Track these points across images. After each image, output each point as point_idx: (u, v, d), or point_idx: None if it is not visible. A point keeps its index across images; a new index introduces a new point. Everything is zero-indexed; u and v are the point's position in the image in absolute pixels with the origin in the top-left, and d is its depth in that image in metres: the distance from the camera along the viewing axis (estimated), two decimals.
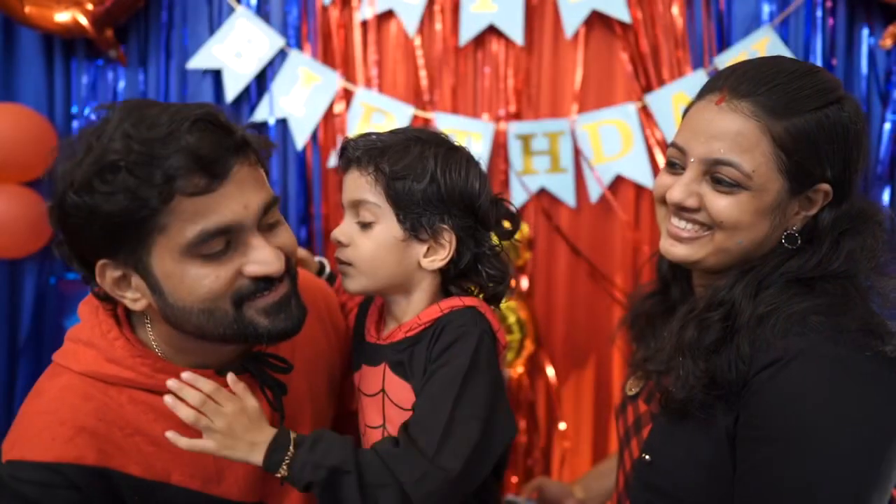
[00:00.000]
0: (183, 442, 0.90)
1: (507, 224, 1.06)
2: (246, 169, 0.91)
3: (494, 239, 1.05)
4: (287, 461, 0.91)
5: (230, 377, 0.93)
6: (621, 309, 2.06)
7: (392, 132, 1.03)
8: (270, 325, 0.95)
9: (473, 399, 0.94)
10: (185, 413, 0.89)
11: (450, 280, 1.04)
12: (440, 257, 1.01)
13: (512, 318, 2.01)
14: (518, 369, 2.08)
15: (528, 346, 2.05)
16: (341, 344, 1.27)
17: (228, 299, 0.91)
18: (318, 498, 0.92)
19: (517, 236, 1.98)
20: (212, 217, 0.86)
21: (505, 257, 1.06)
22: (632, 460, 1.08)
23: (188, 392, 0.90)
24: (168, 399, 0.90)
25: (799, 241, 0.99)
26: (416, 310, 1.03)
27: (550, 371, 2.12)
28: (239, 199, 0.89)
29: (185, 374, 0.92)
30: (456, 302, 1.02)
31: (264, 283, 0.93)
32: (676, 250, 1.03)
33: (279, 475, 0.91)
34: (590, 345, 2.13)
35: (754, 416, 0.92)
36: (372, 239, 1.00)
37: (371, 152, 0.99)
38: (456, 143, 1.05)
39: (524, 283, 2.11)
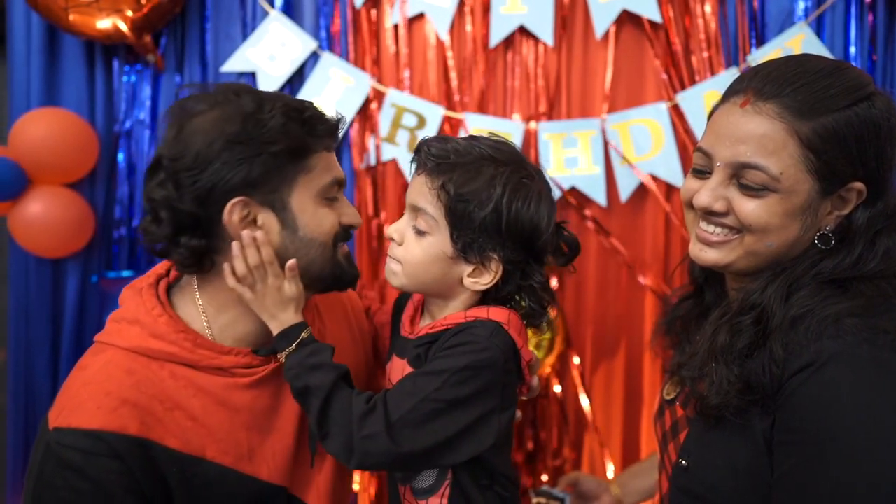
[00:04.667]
0: (230, 281, 1.02)
1: (565, 248, 1.06)
2: None
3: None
4: (287, 353, 1.02)
5: (289, 264, 1.04)
6: (653, 307, 2.05)
7: (471, 143, 1.02)
8: (349, 269, 1.12)
9: (455, 398, 0.95)
10: (239, 265, 1.01)
11: (489, 297, 1.05)
12: (483, 281, 1.02)
13: None
14: (547, 368, 2.09)
15: (558, 345, 2.05)
16: (365, 344, 1.32)
17: (333, 239, 1.07)
18: (293, 395, 1.02)
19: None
20: (335, 171, 1.07)
21: (549, 290, 1.06)
22: (670, 464, 1.07)
23: (251, 251, 1.01)
24: (235, 246, 1.01)
25: (833, 242, 0.97)
26: (449, 310, 1.05)
27: (579, 370, 2.12)
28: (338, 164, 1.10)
29: (245, 234, 1.01)
30: (482, 312, 1.02)
31: (347, 234, 1.10)
32: (706, 255, 1.02)
33: (279, 357, 1.03)
34: (619, 343, 2.12)
35: (789, 420, 0.91)
36: (423, 247, 1.03)
37: (442, 167, 1.00)
38: (532, 171, 1.03)
39: (554, 281, 2.11)
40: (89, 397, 0.97)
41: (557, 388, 2.13)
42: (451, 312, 1.05)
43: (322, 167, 1.04)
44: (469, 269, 1.01)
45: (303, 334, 1.02)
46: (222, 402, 1.03)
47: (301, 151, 1.01)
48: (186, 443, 1.00)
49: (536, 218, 1.00)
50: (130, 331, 1.02)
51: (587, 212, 2.08)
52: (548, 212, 1.01)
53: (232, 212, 0.99)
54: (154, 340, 1.02)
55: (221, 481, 1.02)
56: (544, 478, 2.15)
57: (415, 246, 1.03)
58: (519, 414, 1.13)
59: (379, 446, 0.94)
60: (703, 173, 1.01)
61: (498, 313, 1.02)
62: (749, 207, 0.95)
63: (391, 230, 1.06)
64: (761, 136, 0.93)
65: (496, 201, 0.97)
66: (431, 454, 0.97)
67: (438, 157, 1.01)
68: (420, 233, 1.03)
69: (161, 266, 1.13)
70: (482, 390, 0.96)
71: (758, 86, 0.95)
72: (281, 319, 1.03)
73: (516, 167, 1.01)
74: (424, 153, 1.02)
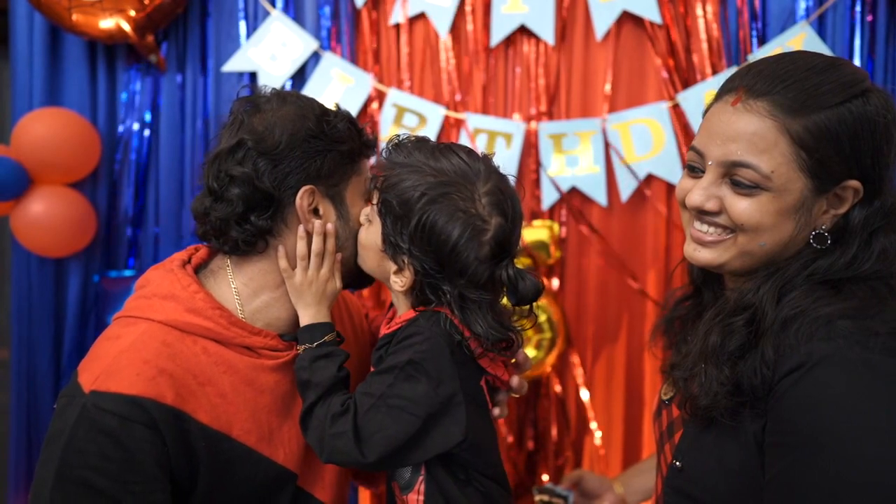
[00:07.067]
0: (282, 263, 1.09)
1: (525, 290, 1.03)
2: None
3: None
4: (304, 347, 1.07)
5: (337, 256, 1.12)
6: (654, 307, 2.05)
7: (440, 152, 1.03)
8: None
9: (408, 393, 0.98)
10: (301, 247, 1.08)
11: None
12: (400, 283, 1.04)
13: (542, 317, 2.01)
14: (547, 367, 2.09)
15: (559, 345, 2.05)
16: (364, 346, 1.34)
17: None
18: (296, 382, 1.07)
19: (547, 237, 2.01)
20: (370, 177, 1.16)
21: (497, 323, 1.03)
22: (666, 465, 1.07)
23: (319, 239, 1.08)
24: (301, 228, 1.08)
25: (828, 241, 0.95)
26: (402, 309, 1.08)
27: (580, 370, 2.12)
28: None
29: (318, 224, 1.08)
30: (427, 308, 1.04)
31: None
32: (700, 254, 1.01)
33: (298, 349, 1.08)
34: (620, 343, 2.12)
35: (779, 422, 0.90)
36: (366, 234, 1.10)
37: (387, 163, 1.06)
38: (477, 196, 1.00)
39: (555, 282, 2.11)
40: (128, 364, 0.98)
41: (558, 388, 2.13)
42: (402, 308, 1.08)
43: (365, 172, 1.15)
44: (394, 266, 1.04)
45: (326, 337, 1.07)
46: (249, 382, 1.06)
47: (356, 155, 1.12)
48: (216, 419, 1.02)
49: (446, 233, 0.98)
50: (165, 305, 1.04)
51: (590, 215, 2.08)
52: (461, 232, 0.98)
53: (303, 197, 1.06)
54: (190, 315, 1.04)
55: (244, 461, 1.04)
56: (545, 477, 2.15)
57: (364, 231, 1.10)
58: (497, 411, 1.13)
59: (345, 444, 0.99)
60: (696, 172, 1.00)
61: (444, 308, 1.03)
62: (741, 206, 0.94)
63: (363, 211, 1.12)
64: (752, 134, 0.92)
65: (411, 204, 1.00)
66: (399, 451, 0.99)
67: (390, 152, 1.07)
68: (368, 220, 1.09)
69: (183, 252, 1.15)
70: (435, 381, 0.99)
71: (749, 83, 0.94)
72: (314, 311, 1.08)
73: (456, 183, 1.00)
74: (384, 148, 1.08)
